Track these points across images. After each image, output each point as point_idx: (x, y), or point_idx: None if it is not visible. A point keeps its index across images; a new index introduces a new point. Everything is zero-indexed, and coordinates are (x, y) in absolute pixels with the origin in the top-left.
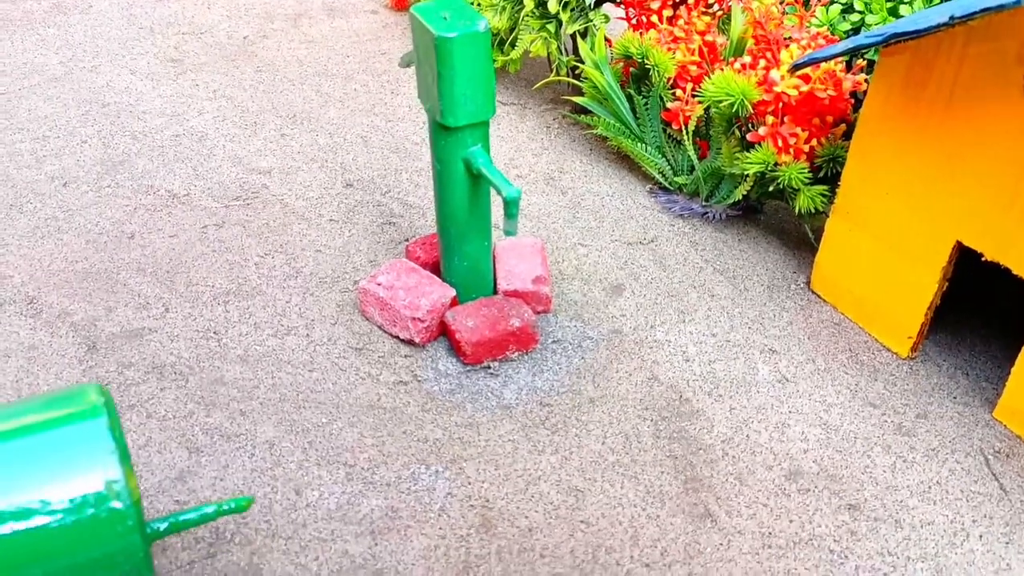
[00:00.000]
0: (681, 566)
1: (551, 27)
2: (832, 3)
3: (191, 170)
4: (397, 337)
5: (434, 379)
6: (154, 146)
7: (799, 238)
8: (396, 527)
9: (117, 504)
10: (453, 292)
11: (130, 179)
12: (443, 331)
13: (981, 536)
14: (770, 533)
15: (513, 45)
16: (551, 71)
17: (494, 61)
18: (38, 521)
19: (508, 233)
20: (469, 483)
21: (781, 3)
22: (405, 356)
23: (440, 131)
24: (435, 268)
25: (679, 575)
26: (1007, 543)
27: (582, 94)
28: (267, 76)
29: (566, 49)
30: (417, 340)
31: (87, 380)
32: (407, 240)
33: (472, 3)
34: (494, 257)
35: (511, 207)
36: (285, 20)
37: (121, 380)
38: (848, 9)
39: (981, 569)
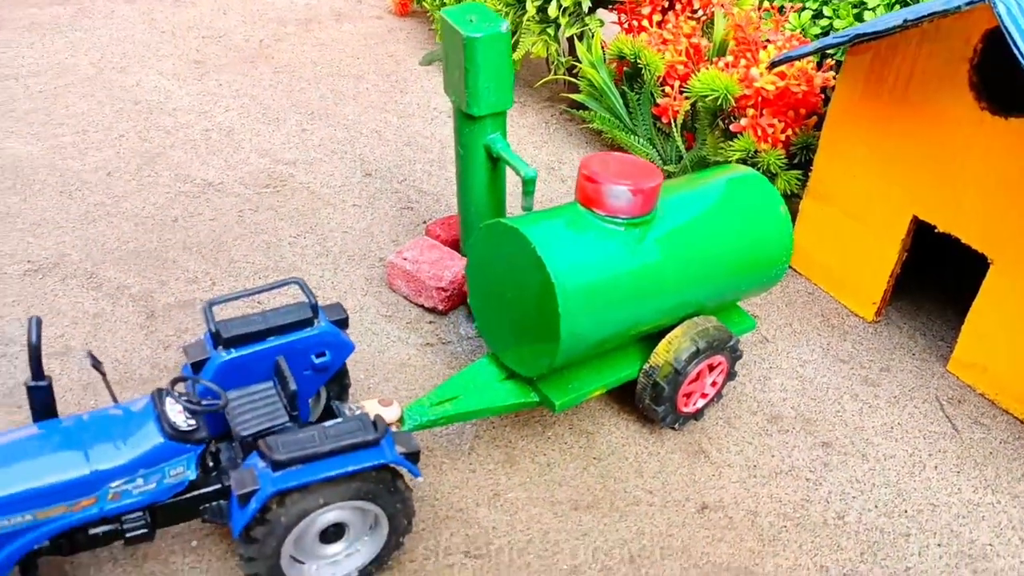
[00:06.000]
0: (680, 492)
1: (551, 30)
2: (804, 9)
3: (223, 161)
4: (422, 306)
5: (457, 341)
6: (187, 140)
7: None
8: (432, 463)
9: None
10: None
11: (167, 169)
12: (463, 300)
13: (936, 467)
14: (755, 466)
15: (515, 47)
16: (549, 71)
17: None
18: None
19: (526, 208)
20: (493, 427)
21: (759, 9)
22: (430, 322)
23: (464, 120)
24: (454, 245)
25: (678, 499)
26: (958, 472)
27: (578, 92)
28: (284, 76)
29: (563, 50)
30: (440, 308)
31: (150, 343)
32: (424, 222)
33: None
34: None
35: (528, 185)
36: (297, 24)
37: (179, 344)
38: (818, 15)
39: (936, 493)
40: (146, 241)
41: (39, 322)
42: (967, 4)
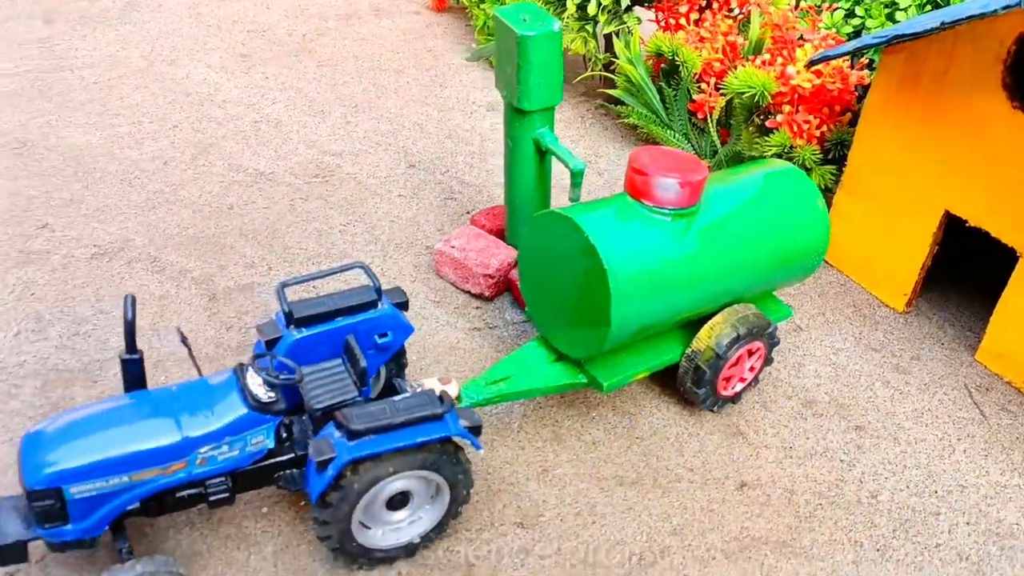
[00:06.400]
0: (720, 471)
1: (589, 28)
2: (836, 9)
3: (272, 152)
4: (468, 292)
5: (503, 326)
6: (237, 131)
7: None
8: (484, 441)
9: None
10: (516, 253)
11: (220, 159)
12: (508, 287)
13: (965, 450)
14: (791, 447)
15: None
16: (586, 68)
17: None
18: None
19: (573, 199)
20: (540, 408)
21: (795, 8)
22: (476, 308)
23: (515, 114)
24: (499, 234)
25: (718, 477)
26: (986, 455)
27: (614, 87)
28: (328, 70)
29: (599, 47)
30: (487, 294)
31: (213, 324)
32: (468, 212)
33: None
34: None
35: (576, 177)
36: (337, 20)
37: (240, 325)
38: (850, 14)
39: (965, 475)
40: (204, 227)
41: (134, 300)
42: (1003, 8)
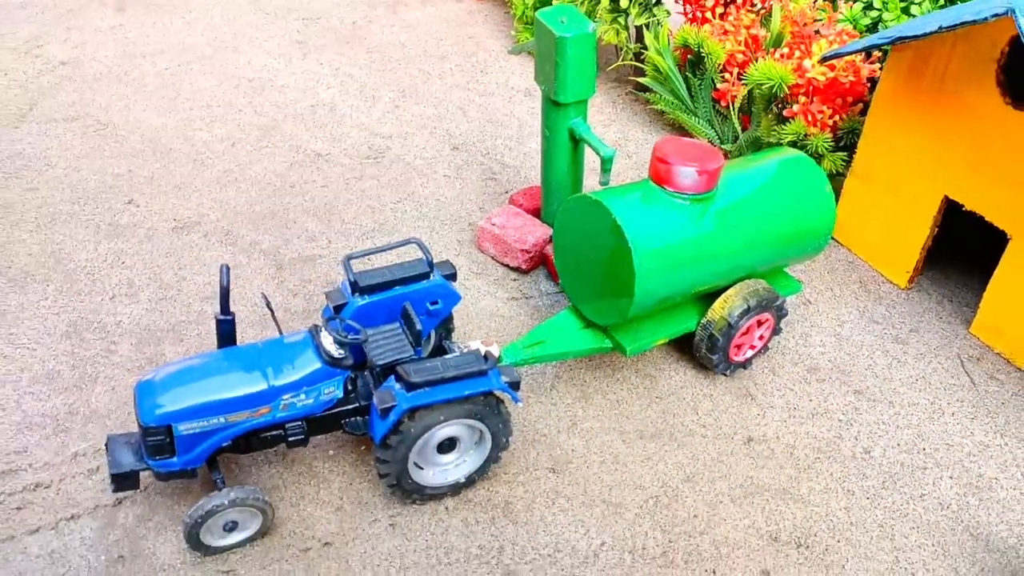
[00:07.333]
0: (730, 427)
1: (621, 20)
2: (855, 1)
3: (328, 134)
4: (507, 265)
5: (538, 296)
6: (295, 114)
7: None
8: (521, 397)
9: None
10: (551, 231)
11: (282, 141)
12: (542, 261)
13: (953, 414)
14: (795, 408)
15: None
16: (617, 57)
17: None
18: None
19: (603, 183)
20: (570, 369)
21: (813, 4)
22: (514, 280)
23: (552, 106)
24: (535, 213)
25: (727, 432)
26: (973, 419)
27: (644, 76)
28: (377, 56)
29: (631, 38)
30: (524, 267)
31: (281, 291)
32: (507, 192)
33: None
34: None
35: (607, 163)
36: (385, 7)
37: (304, 292)
38: (868, 7)
39: (952, 435)
40: (270, 204)
41: (228, 269)
42: (992, 16)
